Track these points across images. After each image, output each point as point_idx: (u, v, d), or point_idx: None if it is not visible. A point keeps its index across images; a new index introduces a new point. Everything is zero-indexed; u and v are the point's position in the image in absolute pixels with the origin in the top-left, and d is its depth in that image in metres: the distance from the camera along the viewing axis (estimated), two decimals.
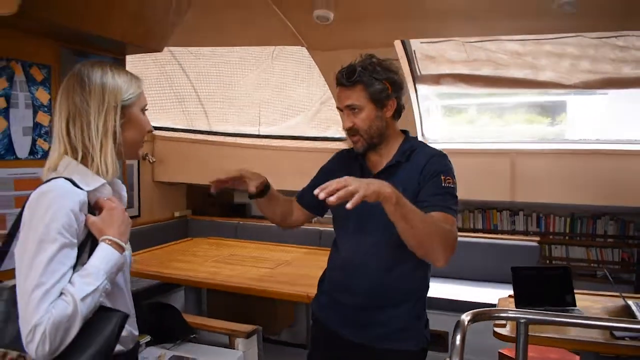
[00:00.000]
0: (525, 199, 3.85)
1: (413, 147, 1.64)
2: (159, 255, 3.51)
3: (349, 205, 1.22)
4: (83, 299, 1.08)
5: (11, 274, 1.11)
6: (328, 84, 3.70)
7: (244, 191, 1.68)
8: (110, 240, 1.17)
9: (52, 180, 1.16)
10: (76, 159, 1.21)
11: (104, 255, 1.15)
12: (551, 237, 4.19)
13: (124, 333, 1.23)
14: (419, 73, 3.72)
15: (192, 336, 2.11)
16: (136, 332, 1.36)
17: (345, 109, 1.60)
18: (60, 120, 1.22)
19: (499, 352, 2.37)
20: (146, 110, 1.33)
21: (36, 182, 1.20)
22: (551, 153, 3.78)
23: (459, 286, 3.60)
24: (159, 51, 2.95)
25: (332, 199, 1.23)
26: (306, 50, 3.55)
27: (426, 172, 1.56)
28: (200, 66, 4.33)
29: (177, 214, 4.93)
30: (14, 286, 1.10)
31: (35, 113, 2.37)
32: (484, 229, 4.33)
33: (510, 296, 2.36)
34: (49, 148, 1.28)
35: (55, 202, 1.12)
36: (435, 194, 1.52)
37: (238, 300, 3.10)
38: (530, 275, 2.32)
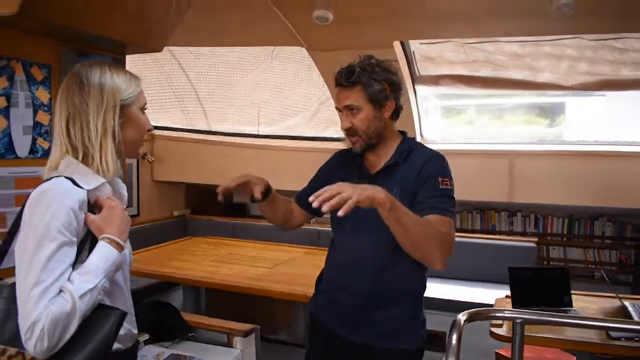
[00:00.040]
0: (524, 199, 3.86)
1: (411, 148, 1.65)
2: (157, 254, 3.52)
3: (340, 213, 1.24)
4: (81, 296, 1.09)
5: (11, 271, 1.12)
6: (327, 85, 3.71)
7: (250, 195, 1.68)
8: (109, 238, 1.18)
9: (53, 179, 1.17)
10: (77, 158, 1.22)
11: (103, 254, 1.16)
12: (549, 238, 4.20)
13: (123, 331, 1.24)
14: (418, 74, 3.72)
15: (190, 335, 2.11)
16: (135, 331, 1.36)
17: (344, 109, 1.61)
18: (60, 120, 1.23)
19: (496, 352, 2.38)
20: (146, 109, 1.34)
21: (36, 181, 1.21)
22: (550, 154, 3.79)
23: (456, 286, 3.61)
24: (158, 51, 2.96)
25: (324, 208, 1.26)
26: (305, 51, 3.56)
27: (423, 174, 1.57)
28: (200, 66, 4.34)
29: (176, 213, 4.94)
30: (14, 284, 1.11)
31: (35, 112, 2.38)
32: (482, 229, 4.34)
33: (507, 296, 2.37)
34: (49, 147, 1.30)
35: (55, 200, 1.13)
36: (432, 196, 1.53)
37: (236, 299, 3.11)
38: (527, 275, 2.33)
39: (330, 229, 1.77)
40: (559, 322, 1.70)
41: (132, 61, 3.63)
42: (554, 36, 3.22)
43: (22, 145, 2.33)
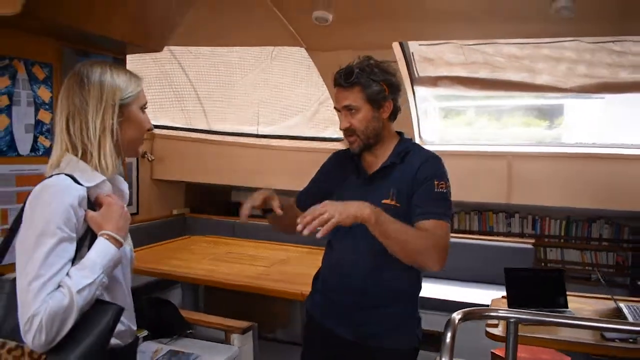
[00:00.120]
0: (522, 201, 3.86)
1: (408, 149, 1.66)
2: (157, 252, 3.53)
3: (318, 235, 1.30)
4: (79, 291, 1.10)
5: (13, 267, 1.13)
6: (326, 85, 3.72)
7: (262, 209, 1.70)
8: (108, 235, 1.19)
9: (54, 177, 1.19)
10: (77, 156, 1.24)
11: (102, 250, 1.18)
12: (546, 239, 4.21)
13: (122, 327, 1.26)
14: (416, 75, 3.74)
15: (188, 331, 2.13)
16: (134, 327, 1.38)
17: (343, 110, 1.62)
18: (61, 118, 1.25)
19: (492, 352, 2.39)
20: (146, 108, 1.36)
21: (37, 178, 1.23)
22: (548, 156, 3.80)
23: (453, 287, 3.62)
24: (158, 51, 2.98)
25: (305, 232, 1.31)
26: (305, 51, 3.57)
27: (420, 175, 1.58)
28: (200, 65, 4.35)
29: (175, 212, 4.95)
30: (16, 279, 1.13)
31: (36, 111, 2.40)
32: (480, 230, 4.35)
33: (503, 297, 2.38)
34: (50, 145, 1.31)
35: (55, 197, 1.14)
36: (428, 199, 1.55)
37: (235, 297, 3.12)
38: (523, 276, 2.34)
39: None
40: (553, 322, 1.72)
41: (132, 61, 3.64)
42: (552, 39, 3.23)
43: (23, 143, 2.35)
